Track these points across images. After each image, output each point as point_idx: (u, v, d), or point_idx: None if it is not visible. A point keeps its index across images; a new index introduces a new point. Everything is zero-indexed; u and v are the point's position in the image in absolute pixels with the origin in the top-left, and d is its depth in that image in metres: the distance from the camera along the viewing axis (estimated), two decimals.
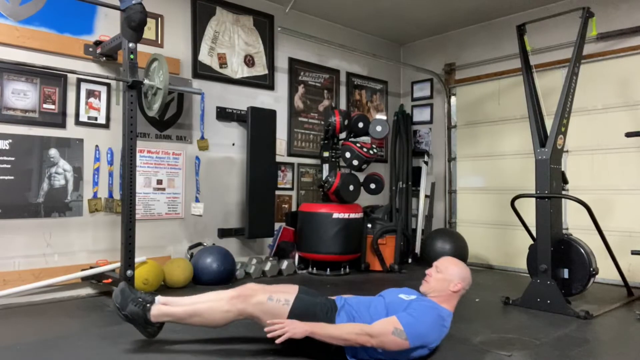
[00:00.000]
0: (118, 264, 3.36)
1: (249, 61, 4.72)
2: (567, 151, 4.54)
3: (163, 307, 2.37)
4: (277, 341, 2.12)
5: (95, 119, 3.74)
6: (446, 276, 2.36)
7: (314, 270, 4.65)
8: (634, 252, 3.51)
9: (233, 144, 4.57)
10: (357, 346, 2.19)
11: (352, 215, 4.63)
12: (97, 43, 3.68)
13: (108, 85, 3.79)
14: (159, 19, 4.11)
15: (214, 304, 2.34)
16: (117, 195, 3.77)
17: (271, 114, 4.64)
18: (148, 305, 2.35)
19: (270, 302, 2.30)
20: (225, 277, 3.98)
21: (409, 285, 2.42)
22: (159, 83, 3.32)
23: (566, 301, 3.24)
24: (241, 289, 2.38)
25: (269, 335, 2.14)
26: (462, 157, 5.62)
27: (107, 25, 3.80)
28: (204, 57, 4.39)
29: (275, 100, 4.92)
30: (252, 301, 2.29)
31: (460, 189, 5.63)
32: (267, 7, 4.85)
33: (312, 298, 2.41)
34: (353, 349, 2.23)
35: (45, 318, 3.01)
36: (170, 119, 4.16)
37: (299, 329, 2.14)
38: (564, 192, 3.70)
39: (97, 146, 3.74)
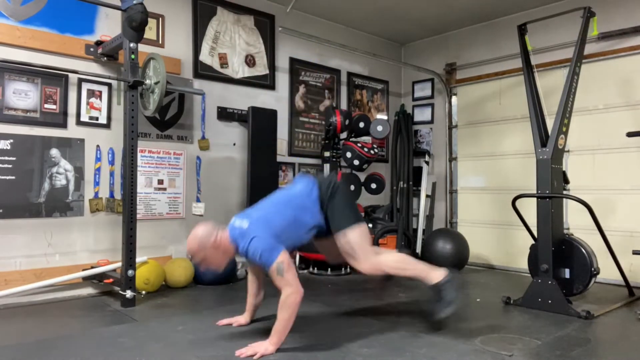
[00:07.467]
0: (119, 264, 3.37)
1: (250, 61, 4.72)
2: (568, 151, 4.54)
3: None
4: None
5: (97, 119, 3.75)
6: (199, 254, 2.49)
7: (315, 270, 4.65)
8: (635, 252, 3.50)
9: (234, 144, 4.57)
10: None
11: None
12: (98, 43, 3.68)
13: (109, 85, 3.80)
14: (160, 19, 4.12)
15: None
16: (118, 195, 3.78)
17: (272, 114, 4.64)
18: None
19: None
20: (226, 277, 3.99)
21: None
22: (157, 85, 3.32)
23: (567, 301, 3.24)
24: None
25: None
26: (463, 157, 5.62)
27: (108, 25, 3.80)
28: (204, 57, 4.40)
29: (276, 100, 4.92)
30: None
31: (461, 189, 5.63)
32: (268, 7, 4.85)
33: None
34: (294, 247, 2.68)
35: (46, 318, 3.01)
36: (171, 119, 4.16)
37: (269, 348, 2.34)
38: (565, 192, 3.69)
39: (98, 146, 3.74)
